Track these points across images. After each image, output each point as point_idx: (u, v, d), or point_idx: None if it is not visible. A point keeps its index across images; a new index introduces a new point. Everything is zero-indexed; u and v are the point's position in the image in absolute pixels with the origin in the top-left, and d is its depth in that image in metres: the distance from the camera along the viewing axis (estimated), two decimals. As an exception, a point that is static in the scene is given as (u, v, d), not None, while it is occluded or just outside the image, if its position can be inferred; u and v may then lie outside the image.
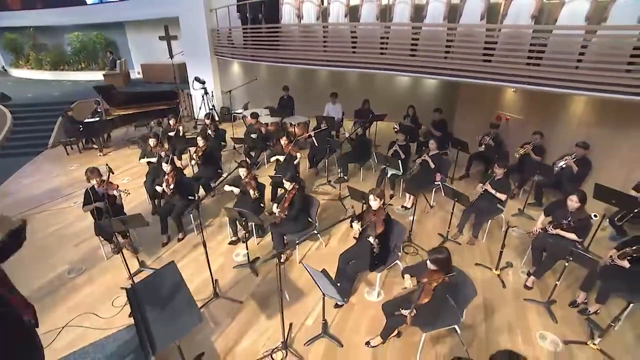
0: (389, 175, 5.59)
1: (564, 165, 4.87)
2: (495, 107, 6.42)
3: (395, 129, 7.00)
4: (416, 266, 3.03)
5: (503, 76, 4.70)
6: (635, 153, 4.69)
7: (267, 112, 8.03)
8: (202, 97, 9.03)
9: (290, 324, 3.26)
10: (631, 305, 3.06)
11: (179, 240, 4.58)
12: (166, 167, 4.32)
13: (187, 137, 6.60)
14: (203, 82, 8.56)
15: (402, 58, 5.51)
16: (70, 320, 3.29)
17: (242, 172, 4.29)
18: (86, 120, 7.27)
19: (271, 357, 2.96)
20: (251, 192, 4.23)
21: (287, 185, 4.02)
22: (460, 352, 2.98)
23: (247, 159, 6.65)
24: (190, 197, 4.65)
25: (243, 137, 6.88)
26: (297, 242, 3.61)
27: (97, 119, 7.33)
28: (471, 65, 4.90)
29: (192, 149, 5.89)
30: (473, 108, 6.80)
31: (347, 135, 6.52)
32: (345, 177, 6.18)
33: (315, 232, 4.20)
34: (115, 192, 4.07)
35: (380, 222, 3.41)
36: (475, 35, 4.83)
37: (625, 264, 3.14)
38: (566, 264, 3.20)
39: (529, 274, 3.82)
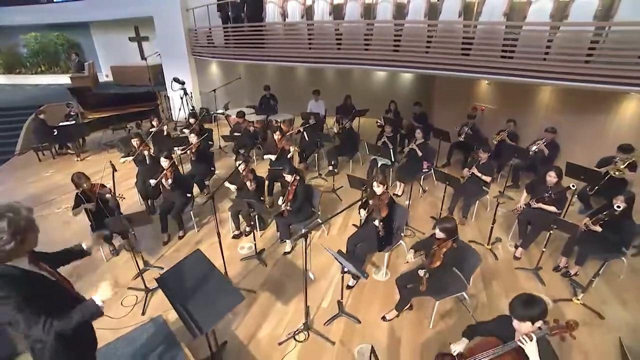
0: (379, 165, 5.84)
1: (536, 149, 5.37)
2: (470, 99, 6.91)
3: (378, 123, 7.33)
4: (424, 240, 3.27)
5: (481, 68, 5.12)
6: (596, 136, 5.29)
7: (251, 111, 8.05)
8: (181, 98, 8.85)
9: (307, 307, 3.37)
10: (606, 262, 3.50)
11: (180, 238, 4.53)
12: (165, 163, 4.27)
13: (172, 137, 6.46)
14: (182, 83, 8.38)
15: (385, 54, 5.80)
16: (81, 322, 3.19)
17: (240, 166, 4.34)
18: (61, 124, 6.90)
19: (294, 338, 3.06)
20: (248, 184, 4.29)
21: (289, 177, 4.12)
22: (467, 318, 3.25)
23: (236, 156, 6.66)
24: (188, 195, 4.62)
25: (231, 135, 6.86)
26: (304, 230, 3.73)
27: (73, 122, 6.97)
28: (451, 59, 5.28)
29: (179, 149, 5.82)
30: (450, 100, 7.26)
31: (335, 130, 6.70)
32: (335, 170, 6.36)
33: (319, 221, 4.34)
34: (108, 196, 3.98)
35: (384, 206, 3.62)
36: (454, 31, 5.22)
37: (598, 228, 3.59)
38: (550, 232, 3.59)
39: (516, 247, 4.22)
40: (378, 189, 3.65)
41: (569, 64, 4.56)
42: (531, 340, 1.86)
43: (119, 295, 3.57)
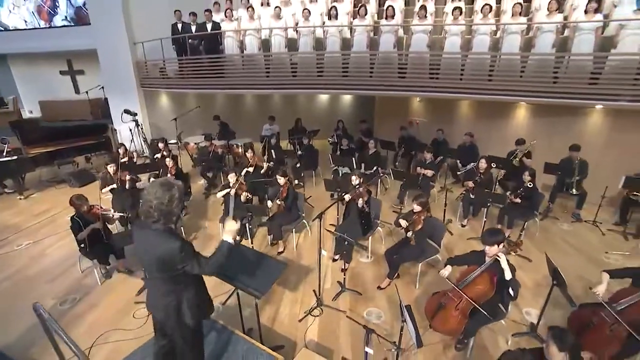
0: (340, 174, 6.64)
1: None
2: (406, 114, 8.27)
3: (330, 141, 8.24)
4: (406, 214, 4.05)
5: (414, 88, 6.39)
6: (502, 136, 6.87)
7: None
8: (130, 130, 8.66)
9: (314, 290, 3.83)
10: (526, 223, 4.71)
11: (171, 254, 4.61)
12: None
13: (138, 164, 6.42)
14: (134, 114, 8.26)
15: (336, 79, 6.79)
16: (98, 336, 3.18)
17: (232, 178, 4.72)
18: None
19: (311, 314, 3.50)
20: (243, 195, 4.67)
21: (282, 180, 4.64)
22: (440, 279, 4.05)
23: (204, 180, 6.87)
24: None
25: (200, 159, 7.07)
26: (293, 227, 4.28)
27: (15, 157, 6.41)
28: (390, 81, 6.47)
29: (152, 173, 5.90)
30: (388, 116, 8.55)
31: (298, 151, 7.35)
32: (301, 184, 6.96)
33: (305, 222, 4.88)
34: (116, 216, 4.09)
35: (365, 192, 4.35)
36: (391, 59, 6.44)
37: (518, 200, 4.82)
38: (488, 205, 4.71)
39: (462, 226, 5.32)
40: (356, 181, 4.40)
41: (476, 82, 6.02)
42: (501, 256, 2.72)
43: (128, 310, 3.58)
